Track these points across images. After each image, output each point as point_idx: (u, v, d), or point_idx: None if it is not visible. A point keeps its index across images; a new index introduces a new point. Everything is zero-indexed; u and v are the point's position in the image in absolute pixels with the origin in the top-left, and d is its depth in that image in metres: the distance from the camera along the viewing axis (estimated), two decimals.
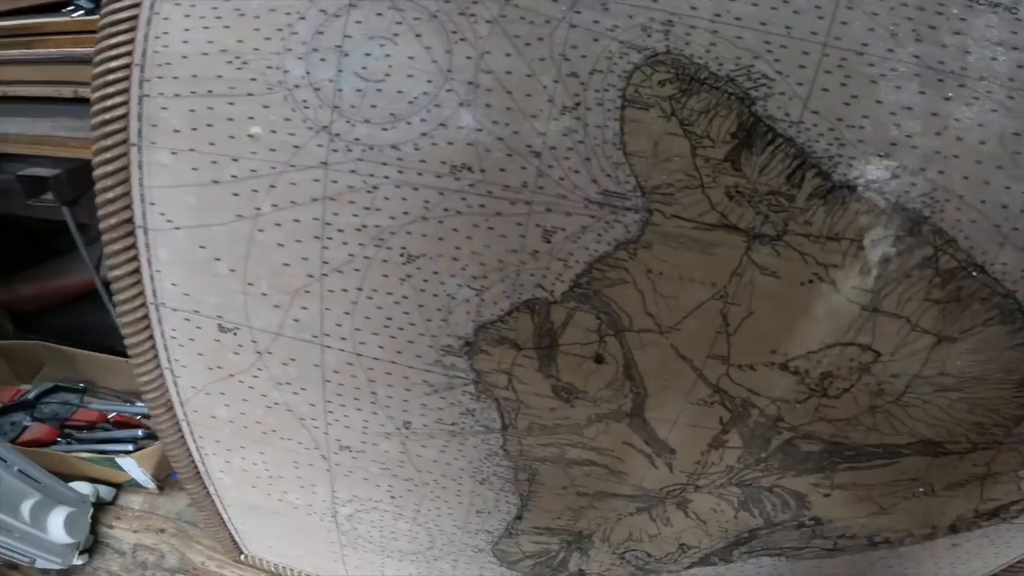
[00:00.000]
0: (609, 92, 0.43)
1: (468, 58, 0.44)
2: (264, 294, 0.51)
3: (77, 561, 0.91)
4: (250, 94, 0.47)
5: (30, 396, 1.01)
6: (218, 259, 0.51)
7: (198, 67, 0.47)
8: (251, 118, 0.47)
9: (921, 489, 0.55)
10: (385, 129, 0.45)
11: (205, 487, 0.69)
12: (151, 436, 0.95)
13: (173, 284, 0.53)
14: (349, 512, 0.67)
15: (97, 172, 0.49)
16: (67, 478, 0.92)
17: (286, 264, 0.50)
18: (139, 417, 1.00)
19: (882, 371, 0.47)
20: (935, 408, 0.49)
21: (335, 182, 0.47)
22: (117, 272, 0.52)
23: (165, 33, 0.48)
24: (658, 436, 0.54)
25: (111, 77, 0.48)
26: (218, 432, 0.62)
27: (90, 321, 1.08)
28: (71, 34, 0.75)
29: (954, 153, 0.42)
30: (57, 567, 0.88)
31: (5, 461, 0.74)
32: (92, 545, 0.94)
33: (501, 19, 0.43)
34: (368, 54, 0.45)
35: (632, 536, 0.64)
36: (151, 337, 0.56)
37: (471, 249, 0.47)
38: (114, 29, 0.48)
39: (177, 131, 0.48)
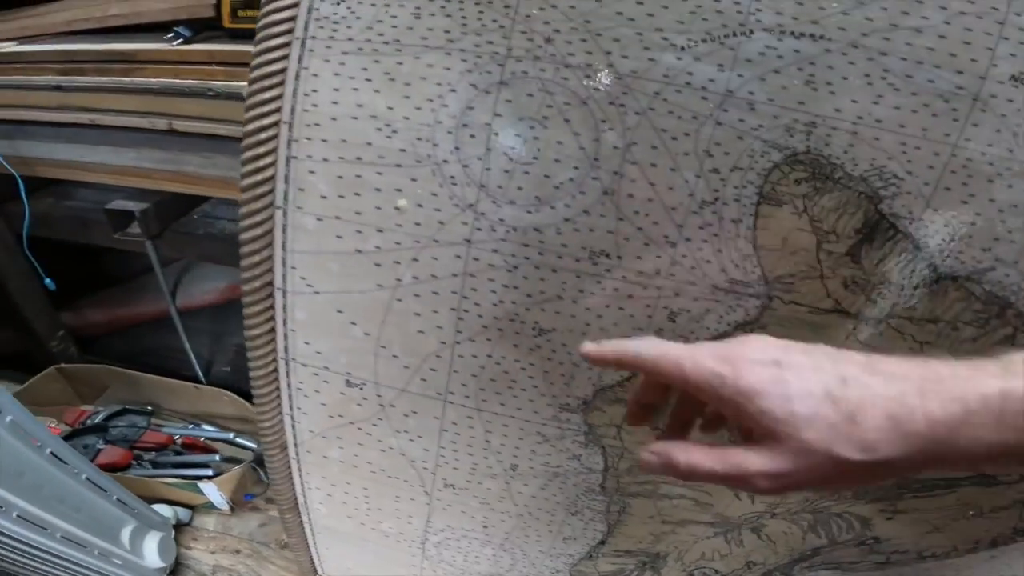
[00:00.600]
0: (747, 188, 0.45)
1: (615, 148, 0.45)
2: (395, 356, 0.53)
3: None
4: (399, 165, 0.47)
5: (98, 419, 0.99)
6: (354, 323, 0.52)
7: (347, 132, 0.47)
8: (399, 190, 0.47)
9: (972, 512, 0.61)
10: (529, 212, 0.46)
11: (300, 516, 0.71)
12: (228, 459, 0.95)
13: (306, 343, 0.54)
14: (439, 540, 0.70)
15: (245, 235, 0.49)
16: (145, 500, 0.91)
17: (420, 332, 0.51)
18: (204, 439, 0.99)
19: None
20: None
21: (476, 259, 0.48)
22: (254, 332, 0.53)
23: (314, 91, 0.47)
24: None
25: (263, 136, 0.47)
26: (326, 470, 0.64)
27: (150, 344, 1.07)
28: (170, 63, 0.71)
29: None
30: None
31: (105, 491, 0.74)
32: (175, 567, 0.93)
33: (650, 112, 0.44)
34: (518, 135, 0.45)
35: (704, 556, 0.70)
36: (277, 388, 0.57)
37: (600, 326, 0.49)
38: (265, 83, 0.47)
39: (324, 197, 0.48)
